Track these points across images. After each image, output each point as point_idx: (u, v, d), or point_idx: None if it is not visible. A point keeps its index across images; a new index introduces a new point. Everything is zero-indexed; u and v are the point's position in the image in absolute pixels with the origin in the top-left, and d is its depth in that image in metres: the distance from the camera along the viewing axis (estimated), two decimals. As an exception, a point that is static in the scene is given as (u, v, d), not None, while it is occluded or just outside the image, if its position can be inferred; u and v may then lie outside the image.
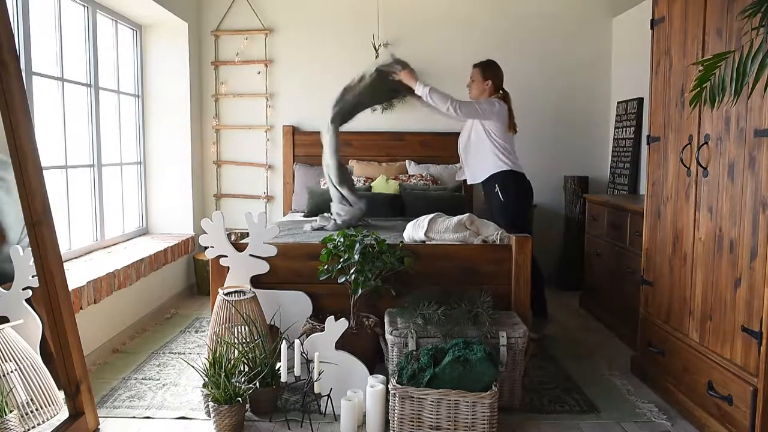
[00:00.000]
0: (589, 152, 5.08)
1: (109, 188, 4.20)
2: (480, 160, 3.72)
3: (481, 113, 3.62)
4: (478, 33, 5.00)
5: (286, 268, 3.04)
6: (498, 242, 3.06)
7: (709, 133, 2.45)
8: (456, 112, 3.57)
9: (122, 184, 4.43)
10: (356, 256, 2.76)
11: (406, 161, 4.98)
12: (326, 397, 2.60)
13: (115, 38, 4.34)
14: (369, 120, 5.05)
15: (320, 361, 2.56)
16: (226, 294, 2.83)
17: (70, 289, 2.45)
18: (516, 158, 3.73)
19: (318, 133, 5.01)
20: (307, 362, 2.63)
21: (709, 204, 2.44)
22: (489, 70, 3.75)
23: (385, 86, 3.79)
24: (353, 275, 2.78)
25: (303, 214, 4.56)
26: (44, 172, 2.31)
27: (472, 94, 3.80)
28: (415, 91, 3.67)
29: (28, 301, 2.62)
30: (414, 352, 2.55)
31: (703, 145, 2.49)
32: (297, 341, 2.57)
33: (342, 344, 2.66)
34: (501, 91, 3.76)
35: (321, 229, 3.67)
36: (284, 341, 2.62)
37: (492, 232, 3.11)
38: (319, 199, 4.45)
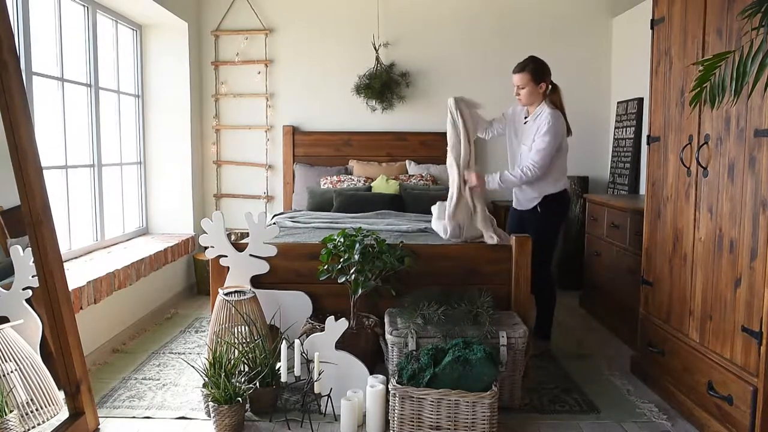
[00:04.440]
0: (589, 152, 5.07)
1: (109, 188, 4.20)
2: (532, 187, 3.32)
3: (554, 151, 3.19)
4: (477, 33, 5.00)
5: (286, 268, 3.04)
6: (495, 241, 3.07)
7: (709, 133, 2.45)
8: (536, 172, 3.16)
9: (122, 184, 4.43)
10: (356, 256, 2.76)
11: (406, 161, 4.98)
12: (326, 397, 2.60)
13: (115, 38, 4.34)
14: (369, 120, 5.05)
15: (320, 361, 2.56)
16: (226, 294, 2.83)
17: (70, 289, 2.45)
18: (566, 172, 3.36)
19: (318, 133, 5.05)
20: (307, 362, 2.63)
21: (709, 204, 2.44)
22: (539, 72, 3.25)
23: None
24: (353, 275, 2.78)
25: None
26: (44, 172, 2.31)
27: (526, 102, 3.31)
28: (488, 187, 3.21)
29: (28, 301, 2.62)
30: (414, 352, 2.55)
31: (703, 145, 2.49)
32: (297, 341, 2.57)
33: (342, 344, 2.66)
34: (551, 86, 3.30)
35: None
36: (284, 341, 2.62)
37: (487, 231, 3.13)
38: (319, 199, 4.45)
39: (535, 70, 3.26)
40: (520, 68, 3.30)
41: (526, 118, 3.37)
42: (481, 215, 3.15)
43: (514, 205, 3.53)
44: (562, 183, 3.34)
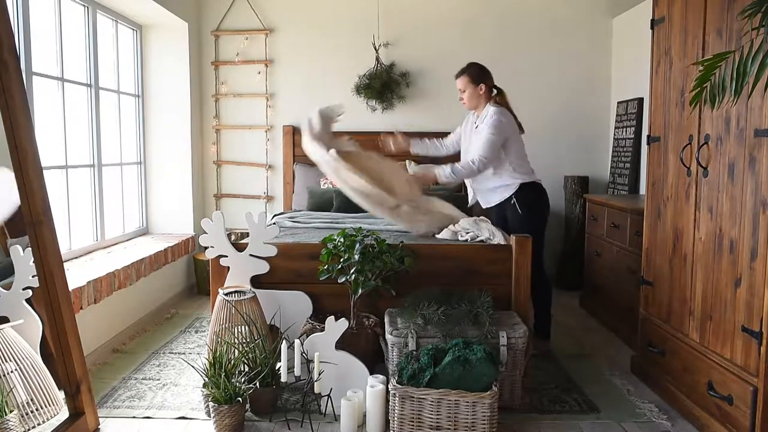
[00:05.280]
0: (589, 152, 5.08)
1: (109, 188, 4.20)
2: (494, 182, 3.46)
3: (499, 143, 3.34)
4: (477, 33, 5.00)
5: (286, 268, 3.04)
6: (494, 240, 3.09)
7: (709, 133, 2.45)
8: (484, 164, 3.31)
9: (122, 184, 4.43)
10: (356, 256, 2.76)
11: (406, 161, 4.97)
12: (326, 397, 2.60)
13: (115, 38, 4.34)
14: (369, 120, 5.05)
15: (320, 361, 2.56)
16: (226, 294, 2.83)
17: (70, 289, 2.45)
18: (528, 164, 3.50)
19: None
20: (307, 362, 2.63)
21: (709, 204, 2.44)
22: (477, 74, 3.44)
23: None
24: (353, 275, 2.78)
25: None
26: (44, 172, 2.31)
27: (469, 105, 3.51)
28: (440, 181, 3.40)
29: (28, 301, 2.62)
30: (414, 352, 2.55)
31: (703, 145, 2.49)
32: (297, 341, 2.57)
33: (342, 344, 2.66)
34: (495, 90, 3.49)
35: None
36: (284, 341, 2.62)
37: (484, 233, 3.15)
38: (319, 199, 4.45)
39: (473, 73, 3.46)
40: (460, 72, 3.50)
41: (476, 124, 3.52)
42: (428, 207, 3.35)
43: (482, 204, 3.61)
44: (528, 175, 3.45)
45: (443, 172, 3.37)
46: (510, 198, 3.45)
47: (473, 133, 3.53)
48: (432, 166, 3.44)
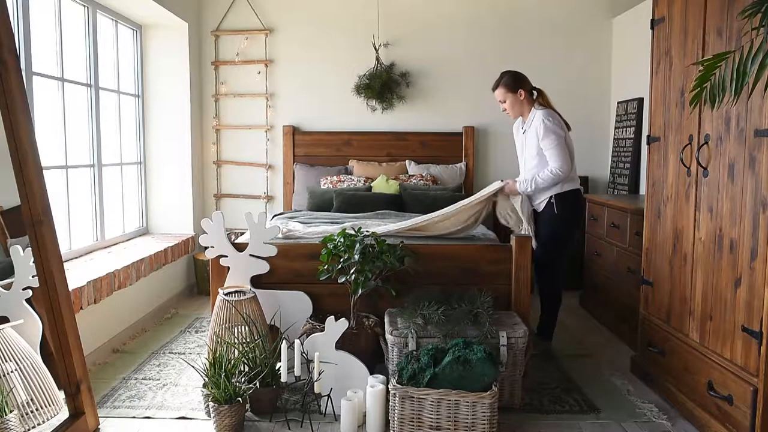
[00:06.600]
0: (589, 152, 5.07)
1: (109, 188, 4.19)
2: (546, 193, 3.38)
3: (564, 143, 3.27)
4: (477, 33, 5.00)
5: (286, 268, 3.04)
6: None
7: (709, 133, 2.45)
8: (562, 167, 3.23)
9: (122, 184, 4.43)
10: (356, 256, 2.76)
11: (407, 161, 4.98)
12: (326, 397, 2.60)
13: (115, 38, 4.34)
14: (369, 120, 5.05)
15: (320, 361, 2.56)
16: (226, 294, 2.83)
17: (70, 289, 2.45)
18: (575, 169, 3.41)
19: (318, 133, 5.05)
20: (307, 362, 2.63)
21: (709, 204, 2.44)
22: (513, 82, 3.37)
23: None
24: (353, 275, 2.78)
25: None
26: (44, 172, 2.31)
27: (513, 114, 3.45)
28: (520, 189, 3.33)
29: (28, 301, 2.62)
30: (414, 352, 2.55)
31: (703, 145, 2.49)
32: (297, 341, 2.57)
33: (342, 344, 2.66)
34: (535, 92, 3.43)
35: None
36: (284, 341, 2.62)
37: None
38: (319, 199, 4.45)
39: (508, 81, 3.40)
40: (495, 85, 3.46)
41: (524, 128, 3.48)
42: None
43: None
44: (573, 184, 3.38)
45: (520, 187, 3.32)
46: (550, 196, 3.37)
47: (521, 137, 3.50)
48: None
